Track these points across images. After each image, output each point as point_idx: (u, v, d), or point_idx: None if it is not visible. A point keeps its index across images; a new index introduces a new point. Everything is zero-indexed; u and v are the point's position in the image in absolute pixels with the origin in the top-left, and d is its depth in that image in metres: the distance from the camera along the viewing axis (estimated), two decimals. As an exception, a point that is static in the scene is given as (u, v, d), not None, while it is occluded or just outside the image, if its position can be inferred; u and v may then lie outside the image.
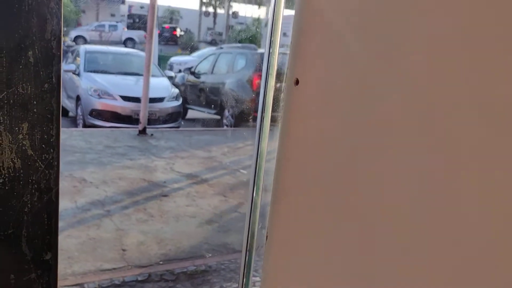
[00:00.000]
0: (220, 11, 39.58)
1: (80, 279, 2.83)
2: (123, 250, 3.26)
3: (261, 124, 0.76)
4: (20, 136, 0.45)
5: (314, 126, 0.61)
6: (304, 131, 0.64)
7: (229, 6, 33.35)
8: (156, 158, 5.50)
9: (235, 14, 34.22)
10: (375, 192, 0.52)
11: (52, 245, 0.51)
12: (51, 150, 0.46)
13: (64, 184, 4.30)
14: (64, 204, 3.83)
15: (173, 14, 50.10)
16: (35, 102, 0.46)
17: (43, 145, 0.45)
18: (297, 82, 0.63)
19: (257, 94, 7.39)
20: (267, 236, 0.77)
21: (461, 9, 0.44)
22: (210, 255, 3.30)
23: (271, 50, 0.73)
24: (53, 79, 0.47)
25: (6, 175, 0.45)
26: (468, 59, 0.45)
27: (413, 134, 0.49)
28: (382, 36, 0.50)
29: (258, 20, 32.35)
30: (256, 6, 33.86)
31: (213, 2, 41.15)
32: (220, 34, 35.76)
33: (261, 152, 0.76)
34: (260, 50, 8.74)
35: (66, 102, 8.57)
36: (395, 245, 0.51)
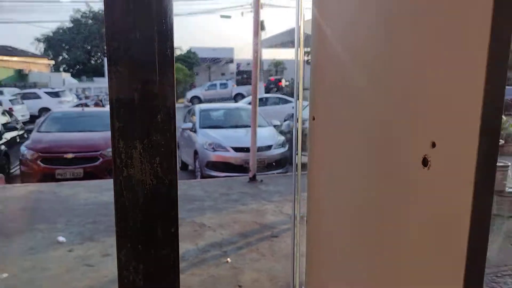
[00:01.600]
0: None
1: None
2: (239, 286, 3.55)
3: (295, 159, 1.00)
4: (155, 165, 0.75)
5: (330, 150, 0.83)
6: (324, 154, 0.86)
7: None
8: (266, 202, 5.84)
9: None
10: (378, 195, 0.72)
11: (175, 239, 0.79)
12: (173, 173, 0.75)
13: (186, 229, 4.80)
14: (187, 246, 4.29)
15: (278, 66, 52.25)
16: (162, 145, 0.76)
17: (167, 169, 0.74)
18: (313, 118, 0.86)
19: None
20: (307, 221, 0.98)
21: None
22: None
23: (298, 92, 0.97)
24: (172, 131, 0.76)
25: (148, 189, 0.75)
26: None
27: (414, 155, 0.68)
28: (385, 74, 0.70)
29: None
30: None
31: (315, 50, 42.13)
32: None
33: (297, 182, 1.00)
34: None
35: (186, 157, 9.49)
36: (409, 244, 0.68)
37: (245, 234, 4.73)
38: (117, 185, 0.73)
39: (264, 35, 24.31)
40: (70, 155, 7.70)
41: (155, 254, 0.76)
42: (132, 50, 0.69)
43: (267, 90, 37.95)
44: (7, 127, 9.49)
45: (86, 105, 18.07)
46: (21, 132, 10.05)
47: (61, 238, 4.55)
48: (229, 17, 33.17)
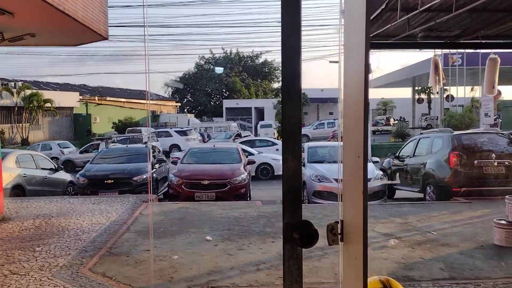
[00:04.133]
0: (435, 96, 39.73)
1: None
2: (335, 274, 4.93)
3: None
4: (294, 162, 2.32)
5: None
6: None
7: (443, 90, 33.67)
8: (361, 222, 7.11)
9: (449, 97, 34.14)
10: None
11: (299, 199, 2.34)
12: (299, 164, 2.30)
13: (296, 238, 6.30)
14: (297, 248, 5.78)
15: (386, 105, 51.96)
16: (298, 153, 2.32)
17: (297, 165, 2.30)
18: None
19: (455, 171, 8.65)
20: None
21: None
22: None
23: None
24: (298, 147, 2.32)
25: (292, 170, 2.32)
26: None
27: None
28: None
29: (473, 100, 31.48)
30: (469, 87, 33.11)
31: (426, 89, 41.69)
32: (437, 118, 35.78)
33: None
34: (456, 132, 9.71)
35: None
36: None
37: (342, 243, 6.08)
38: (285, 171, 2.28)
39: (371, 77, 25.46)
40: (206, 182, 9.78)
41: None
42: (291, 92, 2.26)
43: (375, 129, 38.46)
44: (158, 159, 12.05)
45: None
46: (165, 164, 12.57)
47: (208, 237, 6.37)
48: (337, 62, 34.87)
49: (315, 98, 49.05)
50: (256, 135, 37.52)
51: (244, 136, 29.51)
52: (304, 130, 35.89)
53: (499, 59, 6.81)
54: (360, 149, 1.96)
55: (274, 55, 67.82)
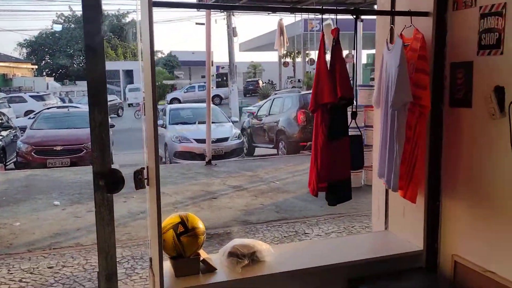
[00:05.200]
0: (299, 60, 42.17)
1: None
2: (181, 225, 5.22)
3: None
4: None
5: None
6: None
7: (305, 55, 35.91)
8: (214, 178, 7.54)
9: (311, 61, 36.64)
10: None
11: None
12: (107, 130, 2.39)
13: (150, 196, 6.46)
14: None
15: (256, 68, 53.63)
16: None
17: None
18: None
19: (302, 127, 9.50)
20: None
21: None
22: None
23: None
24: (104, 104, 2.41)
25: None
26: None
27: None
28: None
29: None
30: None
31: (290, 53, 44.02)
32: (300, 81, 38.18)
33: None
34: (303, 92, 10.62)
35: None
36: None
37: (193, 197, 6.42)
38: (92, 123, 2.39)
39: (236, 40, 25.78)
40: (59, 148, 9.30)
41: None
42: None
43: (246, 91, 39.76)
44: (3, 126, 11.00)
45: None
46: (14, 131, 11.56)
47: (56, 202, 6.19)
48: (203, 24, 34.71)
49: (186, 61, 48.50)
50: (124, 99, 36.06)
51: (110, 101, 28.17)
52: (175, 94, 35.52)
53: (332, 24, 7.55)
54: (150, 100, 2.17)
55: (142, 15, 64.53)
